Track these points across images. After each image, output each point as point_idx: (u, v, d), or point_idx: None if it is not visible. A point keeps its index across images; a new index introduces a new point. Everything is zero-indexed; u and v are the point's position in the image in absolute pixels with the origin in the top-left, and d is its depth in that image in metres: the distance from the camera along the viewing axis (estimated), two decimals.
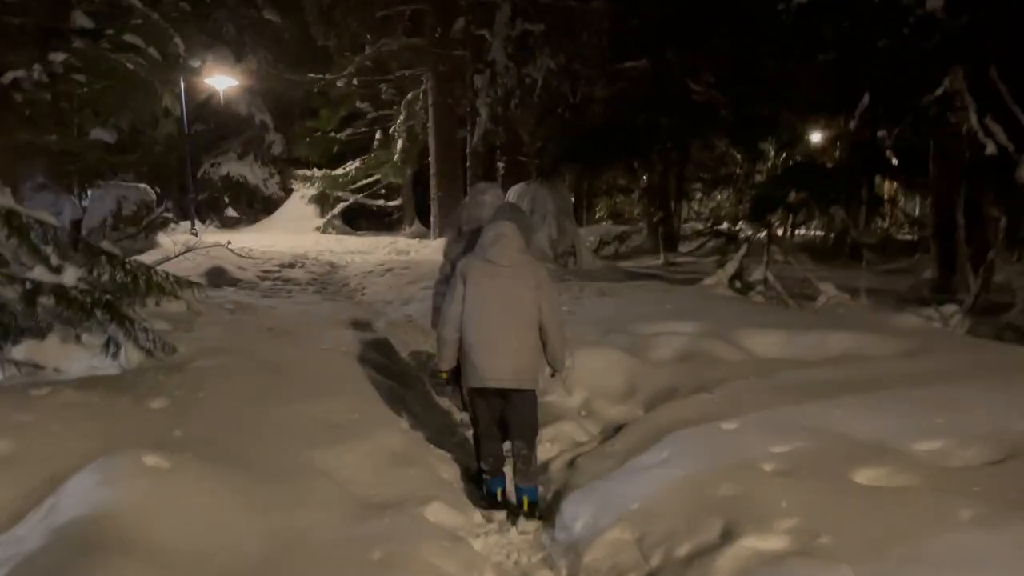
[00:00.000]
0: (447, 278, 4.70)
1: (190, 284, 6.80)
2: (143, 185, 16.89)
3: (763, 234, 10.15)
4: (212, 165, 30.28)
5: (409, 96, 21.58)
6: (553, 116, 11.81)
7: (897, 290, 11.78)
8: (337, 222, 26.74)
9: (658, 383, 5.90)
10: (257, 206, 30.12)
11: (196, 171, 30.39)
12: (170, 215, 26.26)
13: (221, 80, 21.86)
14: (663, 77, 13.92)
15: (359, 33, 20.12)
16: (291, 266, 16.49)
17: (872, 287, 10.86)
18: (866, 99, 10.16)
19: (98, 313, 5.58)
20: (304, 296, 11.05)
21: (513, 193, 14.86)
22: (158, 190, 17.04)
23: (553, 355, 4.41)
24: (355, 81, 20.94)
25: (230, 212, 29.38)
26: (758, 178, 21.31)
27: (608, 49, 14.35)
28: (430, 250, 20.13)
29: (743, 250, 9.84)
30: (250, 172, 30.16)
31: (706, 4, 13.13)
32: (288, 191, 29.07)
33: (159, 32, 20.59)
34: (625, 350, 6.63)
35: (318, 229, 25.84)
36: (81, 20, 16.23)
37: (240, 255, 17.28)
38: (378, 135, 24.32)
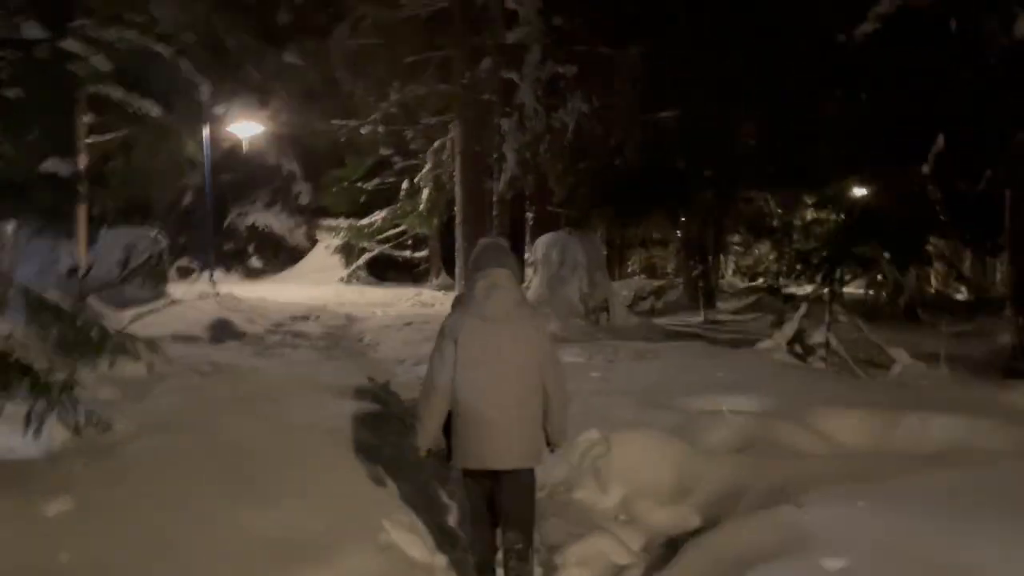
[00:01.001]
0: None
1: (152, 344, 5.63)
2: (152, 231, 15.94)
3: (824, 292, 8.80)
4: (239, 215, 29.55)
5: (436, 144, 20.61)
6: (584, 161, 10.60)
7: (973, 357, 10.29)
8: (362, 273, 25.71)
9: (717, 480, 4.56)
10: (283, 256, 29.23)
11: (223, 221, 29.81)
12: (194, 265, 25.74)
13: (246, 127, 21.08)
14: (700, 126, 12.81)
15: (386, 79, 19.25)
16: (304, 319, 15.36)
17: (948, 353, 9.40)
18: (940, 142, 8.86)
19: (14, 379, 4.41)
20: (306, 354, 9.84)
21: (542, 244, 13.68)
22: (165, 239, 15.99)
23: (556, 426, 3.69)
24: (381, 128, 20.01)
25: (254, 262, 28.49)
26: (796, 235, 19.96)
27: (642, 96, 13.30)
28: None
29: (803, 309, 8.49)
30: (276, 222, 29.36)
31: (747, 48, 12.02)
32: (314, 241, 28.21)
33: (184, 80, 19.95)
34: (672, 432, 5.31)
35: (342, 280, 24.82)
36: (102, 64, 15.55)
37: (252, 307, 16.27)
38: (405, 184, 23.35)
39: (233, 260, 28.91)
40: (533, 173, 14.33)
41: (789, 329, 8.38)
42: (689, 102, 12.35)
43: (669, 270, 29.46)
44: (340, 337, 13.23)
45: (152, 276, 15.41)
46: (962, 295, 21.45)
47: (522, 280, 4.65)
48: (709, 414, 5.66)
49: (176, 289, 17.50)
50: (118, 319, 8.98)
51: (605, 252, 13.70)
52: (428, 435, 3.62)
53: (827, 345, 8.42)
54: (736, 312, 17.47)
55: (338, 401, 6.16)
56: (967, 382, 7.98)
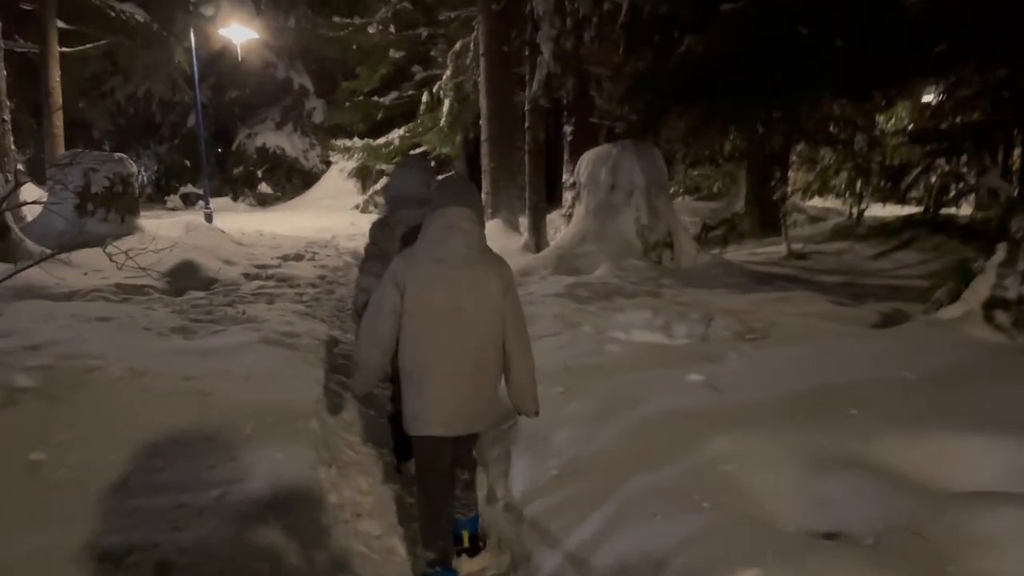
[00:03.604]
0: (375, 271, 3.73)
1: None
2: (119, 155, 12.95)
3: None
4: (248, 136, 26.55)
5: (457, 46, 17.17)
6: (659, 43, 7.36)
7: None
8: (380, 199, 22.66)
9: None
10: (296, 181, 26.32)
11: (231, 143, 26.85)
12: (200, 191, 22.74)
13: (238, 32, 17.82)
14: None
15: None
16: (298, 258, 12.42)
17: None
18: None
19: None
20: (273, 326, 6.89)
21: (587, 162, 10.47)
22: (134, 163, 13.04)
23: (522, 391, 3.23)
24: (392, 28, 16.64)
25: (264, 188, 25.58)
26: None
27: None
28: None
29: (1000, 254, 5.32)
30: (289, 143, 26.35)
31: None
32: (330, 164, 25.22)
33: None
34: None
35: (357, 207, 21.84)
36: None
37: (240, 243, 13.37)
38: (424, 97, 20.03)
39: (242, 185, 26.11)
40: (574, 72, 11.00)
41: (983, 286, 5.25)
42: None
43: (716, 190, 25.93)
44: (335, 284, 10.28)
45: (117, 206, 12.52)
46: None
47: (480, 214, 3.21)
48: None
49: (156, 222, 14.66)
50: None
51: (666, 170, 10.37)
52: (364, 381, 3.20)
53: None
54: (818, 241, 14.15)
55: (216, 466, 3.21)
56: None
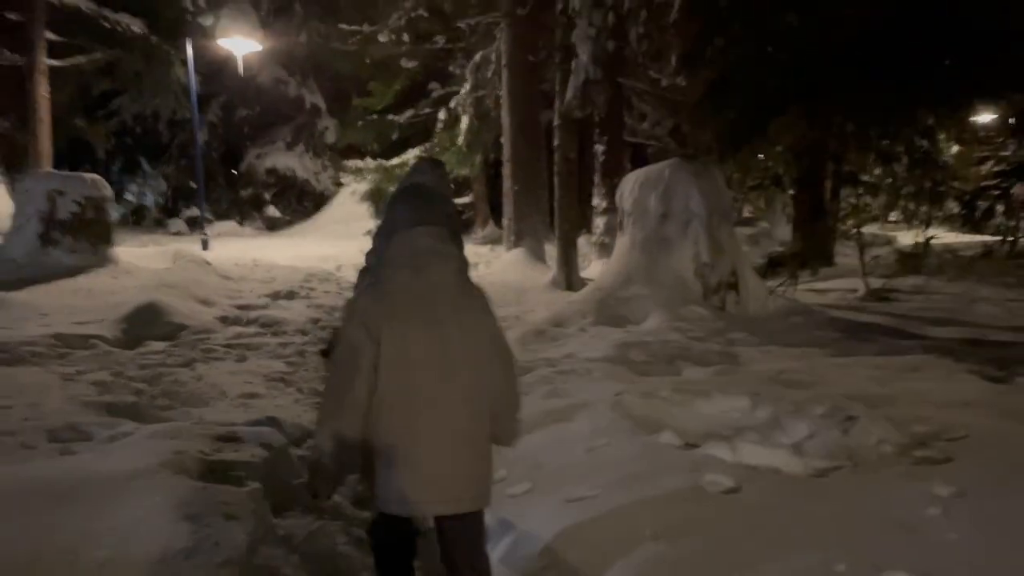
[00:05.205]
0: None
1: None
2: (92, 176, 11.16)
3: None
4: (257, 157, 24.88)
5: (478, 58, 15.28)
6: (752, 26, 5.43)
7: None
8: None
9: None
10: (307, 204, 24.57)
11: (239, 163, 25.21)
12: (208, 216, 20.95)
13: (240, 43, 16.12)
14: None
15: None
16: (291, 296, 10.54)
17: None
18: None
19: None
20: (204, 413, 4.95)
21: (632, 185, 8.51)
22: (106, 185, 11.29)
23: (506, 428, 2.53)
24: (406, 37, 14.81)
25: (272, 211, 23.83)
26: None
27: None
28: (504, 263, 14.01)
29: None
30: (299, 164, 24.64)
31: None
32: (341, 186, 23.50)
33: None
34: None
35: (369, 233, 19.96)
36: None
37: (227, 277, 11.53)
38: (442, 115, 18.19)
39: (250, 208, 24.38)
40: (615, 72, 9.08)
41: None
42: None
43: (749, 213, 23.92)
44: (331, 331, 8.38)
45: (87, 235, 10.70)
46: None
47: (457, 234, 3.00)
48: None
49: (139, 252, 12.89)
50: None
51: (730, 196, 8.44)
52: (343, 467, 2.38)
53: None
54: (887, 276, 12.04)
55: None
56: None
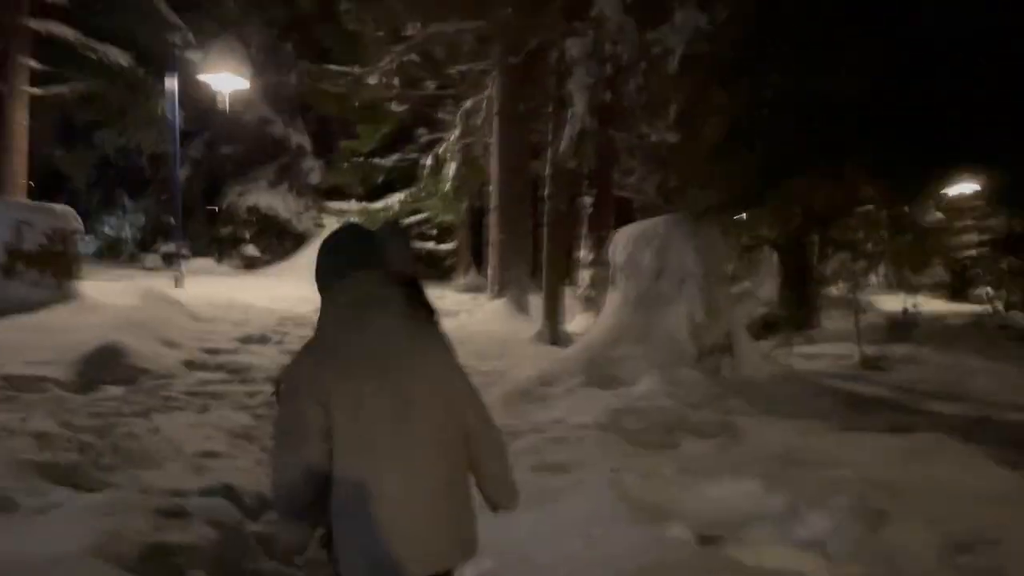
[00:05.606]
0: None
1: None
2: (62, 207, 10.65)
3: None
4: (239, 194, 24.41)
5: (468, 104, 15.03)
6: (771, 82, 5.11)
7: None
8: None
9: None
10: (287, 243, 24.06)
11: (220, 200, 24.73)
12: (184, 251, 20.35)
13: (225, 80, 15.78)
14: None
15: (404, 16, 13.85)
16: (263, 340, 10.04)
17: None
18: None
19: None
20: (155, 476, 4.44)
21: (626, 240, 8.16)
22: (76, 218, 10.82)
23: (499, 480, 2.25)
24: (396, 82, 14.54)
25: (250, 250, 23.28)
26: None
27: None
28: (487, 313, 13.59)
29: None
30: (282, 204, 24.17)
31: None
32: (323, 227, 23.05)
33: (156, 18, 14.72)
34: None
35: None
36: None
37: (198, 318, 10.99)
38: (428, 160, 17.89)
39: (229, 246, 23.82)
40: (605, 128, 8.81)
41: None
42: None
43: (733, 272, 23.70)
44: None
45: (52, 267, 10.15)
46: None
47: (403, 276, 2.05)
48: None
49: (107, 286, 12.29)
50: None
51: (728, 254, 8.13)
52: (301, 540, 2.17)
53: None
54: (877, 342, 11.71)
55: None
56: None
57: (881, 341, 11.92)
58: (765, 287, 20.51)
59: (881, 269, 17.67)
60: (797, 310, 14.08)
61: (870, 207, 13.97)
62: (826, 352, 10.95)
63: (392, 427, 2.07)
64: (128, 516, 3.15)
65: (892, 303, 15.38)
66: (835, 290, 17.06)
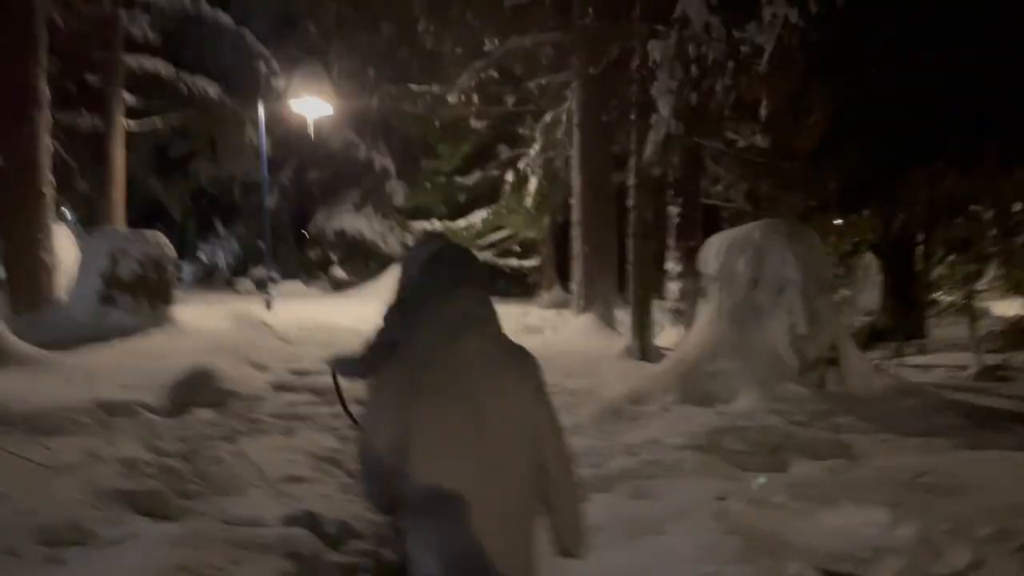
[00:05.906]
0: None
1: None
2: (153, 233, 10.94)
3: None
4: (327, 218, 24.91)
5: (548, 118, 14.84)
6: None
7: None
8: None
9: None
10: (374, 265, 24.36)
11: (308, 225, 25.29)
12: (274, 276, 20.83)
13: (312, 106, 16.05)
14: None
15: (483, 32, 13.80)
16: None
17: None
18: None
19: None
20: (230, 507, 4.33)
21: (719, 249, 7.74)
22: (168, 245, 11.05)
23: (569, 526, 2.17)
24: (476, 98, 14.46)
25: (339, 272, 23.68)
26: None
27: None
28: (573, 329, 13.30)
29: None
30: (368, 226, 24.52)
31: None
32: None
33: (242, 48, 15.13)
34: None
35: None
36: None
37: (286, 340, 11.08)
38: (509, 176, 17.77)
39: (317, 268, 24.30)
40: (692, 132, 8.44)
41: None
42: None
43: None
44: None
45: (147, 293, 10.39)
46: None
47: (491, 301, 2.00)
48: None
49: (202, 311, 12.55)
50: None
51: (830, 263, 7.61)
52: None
53: None
54: (993, 351, 10.84)
55: None
56: None
57: (999, 349, 11.05)
58: (864, 294, 19.46)
59: (991, 271, 16.51)
60: (905, 318, 13.25)
61: (978, 207, 13.06)
62: (940, 363, 10.22)
63: (469, 449, 2.02)
64: (202, 548, 2.99)
65: (1007, 308, 14.33)
66: (944, 295, 15.97)
